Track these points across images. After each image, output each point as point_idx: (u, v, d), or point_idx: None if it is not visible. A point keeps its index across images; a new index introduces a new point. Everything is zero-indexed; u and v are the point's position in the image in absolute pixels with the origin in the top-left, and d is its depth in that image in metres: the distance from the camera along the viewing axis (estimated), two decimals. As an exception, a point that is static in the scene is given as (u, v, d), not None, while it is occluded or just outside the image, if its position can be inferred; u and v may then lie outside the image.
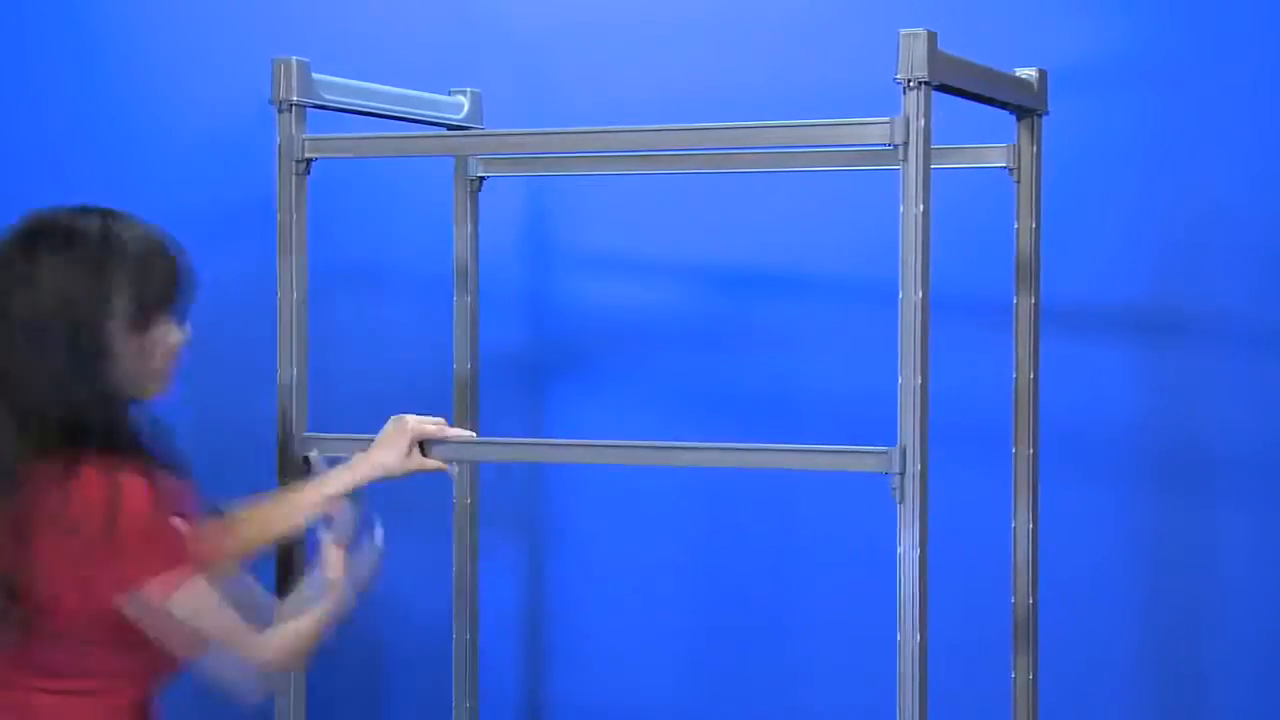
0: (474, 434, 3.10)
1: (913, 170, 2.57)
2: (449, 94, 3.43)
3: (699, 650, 3.76)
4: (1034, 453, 3.14)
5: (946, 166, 3.06)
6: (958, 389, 3.23)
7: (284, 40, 3.47)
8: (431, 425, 2.83)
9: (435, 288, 3.60)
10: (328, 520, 2.75)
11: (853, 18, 3.57)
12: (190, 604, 2.42)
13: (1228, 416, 3.46)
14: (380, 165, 3.66)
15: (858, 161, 3.20)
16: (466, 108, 3.43)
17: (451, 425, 2.88)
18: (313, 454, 2.92)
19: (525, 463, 3.72)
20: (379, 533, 2.76)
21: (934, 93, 2.60)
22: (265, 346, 3.00)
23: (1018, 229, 3.13)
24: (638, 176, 3.52)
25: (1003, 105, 3.06)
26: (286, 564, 2.93)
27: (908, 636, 2.59)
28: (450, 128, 3.38)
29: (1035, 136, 3.13)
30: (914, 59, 2.57)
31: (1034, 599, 3.16)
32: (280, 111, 2.95)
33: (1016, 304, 3.14)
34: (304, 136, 2.96)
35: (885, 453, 2.59)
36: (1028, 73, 3.09)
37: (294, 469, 2.94)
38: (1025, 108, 3.10)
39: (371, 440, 2.82)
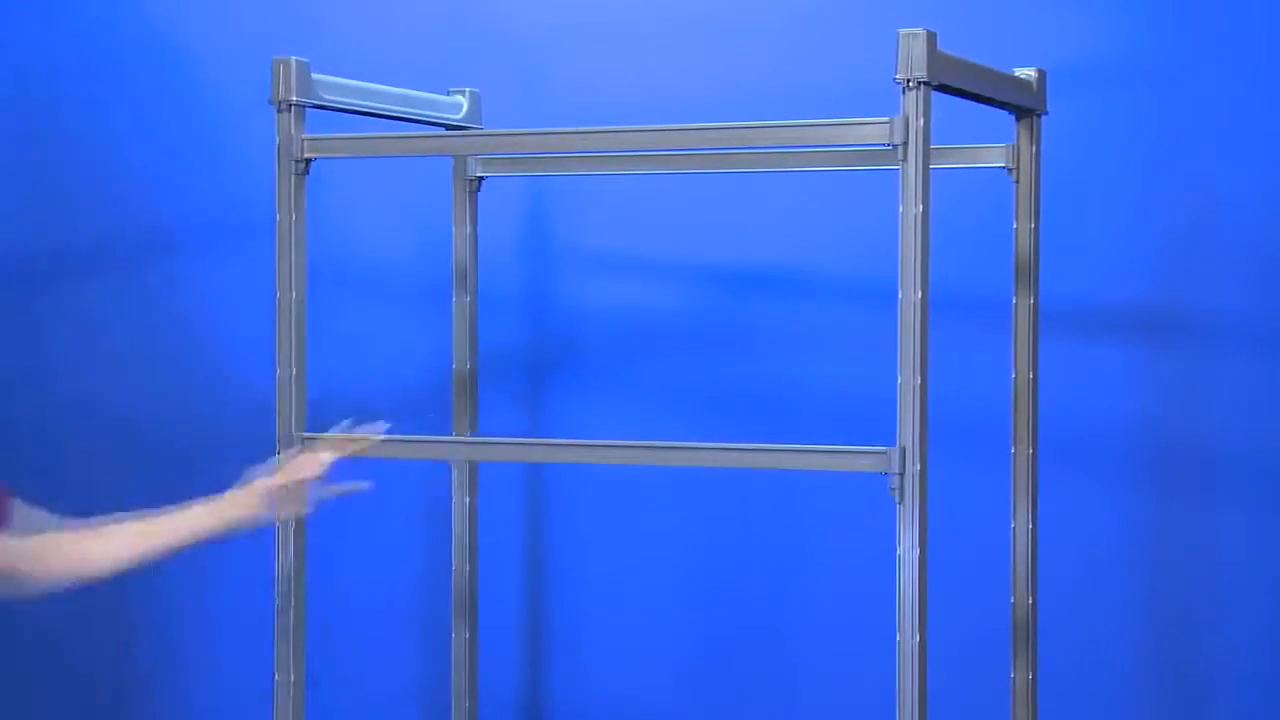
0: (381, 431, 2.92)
1: (912, 170, 2.57)
2: (448, 94, 3.43)
3: (698, 649, 3.76)
4: (1033, 453, 3.13)
5: (946, 166, 3.06)
6: (957, 389, 3.23)
7: (284, 40, 3.47)
8: (317, 462, 2.78)
9: (435, 287, 3.60)
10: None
11: (853, 18, 3.57)
12: None
13: (1228, 417, 3.46)
14: (380, 165, 3.66)
15: (857, 161, 3.20)
16: (465, 108, 3.43)
17: (451, 425, 2.86)
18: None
19: (525, 463, 3.72)
20: (381, 425, 2.77)
21: (933, 93, 2.60)
22: (264, 346, 3.00)
23: (1017, 229, 3.13)
24: (637, 176, 3.52)
25: (1002, 105, 3.06)
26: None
27: (907, 636, 2.59)
28: (449, 128, 3.38)
29: (1034, 136, 3.13)
30: (913, 59, 2.57)
31: (1033, 599, 3.15)
32: (280, 111, 2.95)
33: (1016, 304, 3.14)
34: (303, 136, 2.96)
35: (884, 453, 2.59)
36: (1027, 73, 3.09)
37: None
38: (1024, 108, 3.10)
39: (370, 439, 2.83)
